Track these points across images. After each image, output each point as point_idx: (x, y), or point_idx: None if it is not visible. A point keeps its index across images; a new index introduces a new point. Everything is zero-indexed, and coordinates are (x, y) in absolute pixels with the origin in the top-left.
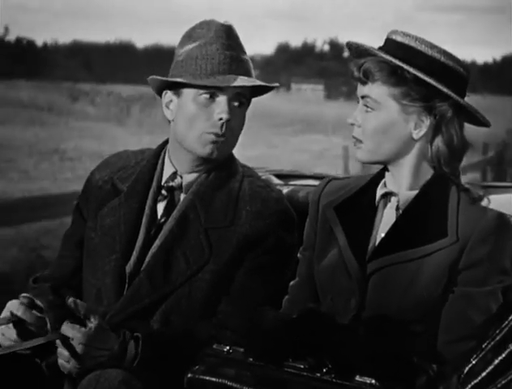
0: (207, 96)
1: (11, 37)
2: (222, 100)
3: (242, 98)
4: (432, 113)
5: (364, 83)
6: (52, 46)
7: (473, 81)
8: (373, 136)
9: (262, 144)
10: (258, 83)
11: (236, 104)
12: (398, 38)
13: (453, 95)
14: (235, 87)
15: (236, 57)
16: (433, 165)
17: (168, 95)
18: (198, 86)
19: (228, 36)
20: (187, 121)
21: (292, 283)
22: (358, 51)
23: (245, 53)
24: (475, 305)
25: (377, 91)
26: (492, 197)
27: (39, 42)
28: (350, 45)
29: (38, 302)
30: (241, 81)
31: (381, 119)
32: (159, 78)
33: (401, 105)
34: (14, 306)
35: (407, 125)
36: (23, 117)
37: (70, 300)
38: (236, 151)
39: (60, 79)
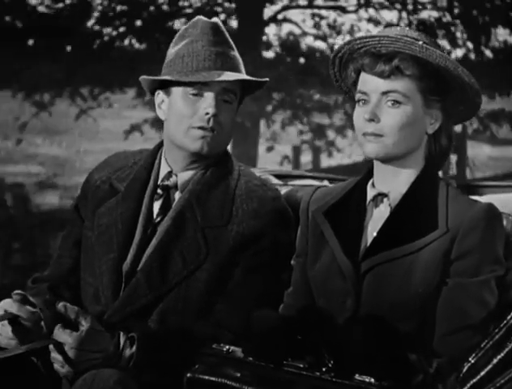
0: (195, 92)
1: None
2: (208, 95)
3: (230, 94)
4: (444, 109)
5: (386, 78)
6: None
7: None
8: (400, 130)
9: None
10: (243, 77)
11: (224, 99)
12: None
13: (476, 86)
14: (221, 82)
15: (221, 53)
16: (425, 161)
17: (160, 95)
18: (184, 83)
19: (214, 33)
20: (176, 118)
21: (287, 291)
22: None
23: (233, 49)
24: (468, 295)
25: (405, 85)
26: (493, 196)
27: None
28: (365, 38)
29: (30, 298)
30: (226, 76)
31: (409, 113)
32: (146, 77)
33: (425, 99)
34: (7, 305)
35: (425, 119)
36: None
37: (61, 305)
38: None
39: None
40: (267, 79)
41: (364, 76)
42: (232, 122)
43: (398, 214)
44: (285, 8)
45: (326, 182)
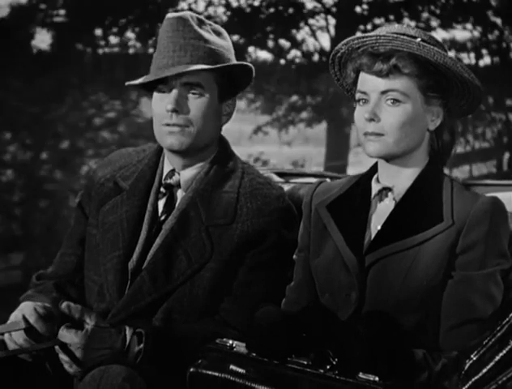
0: (163, 90)
1: None
2: (171, 92)
3: (195, 87)
4: (445, 105)
5: (385, 77)
6: None
7: None
8: (400, 129)
9: None
10: (191, 68)
11: (190, 93)
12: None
13: (476, 82)
14: (181, 78)
15: (180, 48)
16: (429, 156)
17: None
18: (157, 82)
19: (173, 28)
20: (154, 117)
21: (289, 285)
22: (374, 44)
23: (198, 38)
24: (474, 288)
25: (404, 83)
26: (495, 195)
27: None
28: (364, 38)
29: (54, 312)
30: (169, 71)
31: (409, 111)
32: (128, 83)
33: (425, 97)
34: (28, 311)
35: (426, 116)
36: None
37: (64, 305)
38: None
39: None
40: (238, 62)
41: (363, 76)
42: (206, 116)
43: (403, 207)
44: (375, 27)
45: (328, 180)
